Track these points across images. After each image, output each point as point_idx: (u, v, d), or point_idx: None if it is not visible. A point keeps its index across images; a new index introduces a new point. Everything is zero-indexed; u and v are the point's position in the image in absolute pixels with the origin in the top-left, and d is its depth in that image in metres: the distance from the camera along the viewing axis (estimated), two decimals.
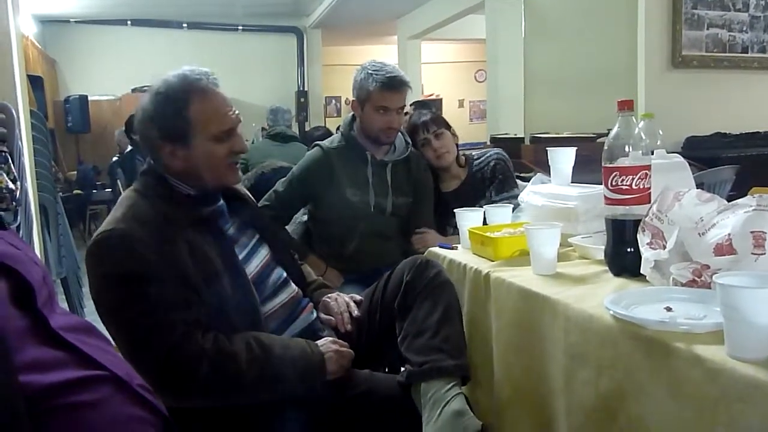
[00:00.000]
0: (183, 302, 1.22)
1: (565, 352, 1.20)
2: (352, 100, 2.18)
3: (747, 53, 4.23)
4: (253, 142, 5.12)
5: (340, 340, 1.42)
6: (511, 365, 1.39)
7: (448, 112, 9.76)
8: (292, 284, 1.51)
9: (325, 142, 2.20)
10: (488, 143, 4.21)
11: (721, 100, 4.13)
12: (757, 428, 0.83)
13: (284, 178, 2.18)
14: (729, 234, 1.14)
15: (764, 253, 1.13)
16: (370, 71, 2.08)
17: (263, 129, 5.10)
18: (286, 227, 2.23)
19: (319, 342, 1.36)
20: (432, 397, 1.35)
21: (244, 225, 1.47)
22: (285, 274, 1.50)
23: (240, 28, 8.95)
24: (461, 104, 11.49)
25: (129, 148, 5.68)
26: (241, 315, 1.29)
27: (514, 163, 3.07)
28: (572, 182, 1.75)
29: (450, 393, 1.35)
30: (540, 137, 3.55)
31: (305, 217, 2.29)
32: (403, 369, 1.44)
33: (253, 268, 1.41)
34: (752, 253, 1.13)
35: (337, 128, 3.09)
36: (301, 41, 9.15)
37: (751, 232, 1.13)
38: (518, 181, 2.36)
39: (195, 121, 1.33)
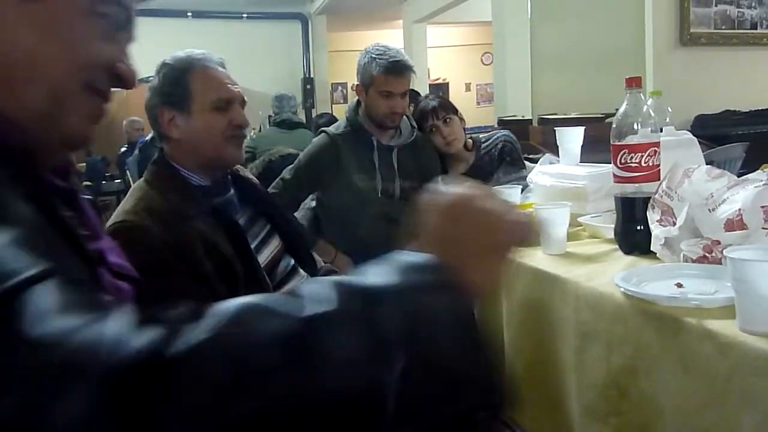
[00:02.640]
0: (195, 296, 1.22)
1: (576, 331, 1.20)
2: (356, 85, 2.18)
3: (756, 29, 4.18)
4: (260, 131, 5.13)
5: None
6: (522, 345, 1.40)
7: (456, 96, 9.71)
8: (301, 271, 1.51)
9: (331, 129, 2.20)
10: (496, 126, 4.20)
11: (731, 78, 4.10)
12: None
13: (291, 166, 2.18)
14: (739, 209, 1.14)
15: None
16: (373, 55, 2.07)
17: (270, 117, 5.10)
18: (295, 213, 2.23)
19: None
20: None
21: (256, 214, 1.48)
22: (293, 262, 1.51)
23: (245, 15, 8.92)
24: (468, 88, 11.43)
25: (140, 137, 5.68)
26: None
27: (523, 145, 3.06)
28: (581, 162, 1.74)
29: None
30: (548, 118, 3.53)
31: (314, 203, 2.29)
32: None
33: (264, 257, 1.41)
34: (763, 228, 1.12)
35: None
36: (306, 28, 9.12)
37: (762, 207, 1.13)
38: (527, 163, 2.36)
39: (194, 88, 1.34)
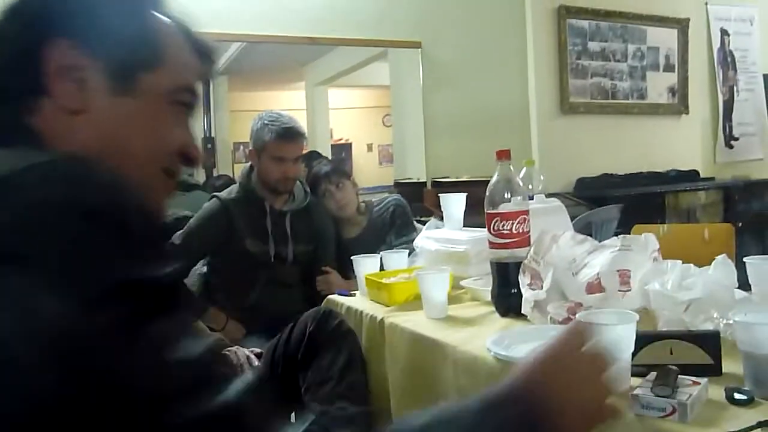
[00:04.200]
0: None
1: (457, 393, 1.23)
2: (250, 150, 2.19)
3: (627, 100, 4.57)
4: None
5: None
6: (407, 410, 1.41)
7: (358, 156, 9.88)
8: None
9: (223, 194, 2.19)
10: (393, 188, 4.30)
11: (607, 143, 4.43)
12: None
13: (181, 231, 2.14)
14: (598, 273, 1.23)
15: (630, 290, 1.22)
16: (266, 122, 2.11)
17: None
18: (185, 280, 2.18)
19: None
20: None
21: None
22: None
23: None
24: (370, 148, 11.65)
25: None
26: None
27: (418, 207, 3.16)
28: (471, 225, 1.82)
29: None
30: (441, 181, 3.67)
31: (205, 269, 2.25)
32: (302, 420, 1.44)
33: None
34: (619, 290, 1.22)
35: None
36: (207, 87, 9.05)
37: (617, 271, 1.23)
38: (419, 225, 2.43)
39: None
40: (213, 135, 9.73)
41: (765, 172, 4.75)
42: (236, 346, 1.63)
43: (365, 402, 1.44)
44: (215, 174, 8.22)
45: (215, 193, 2.22)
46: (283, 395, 1.46)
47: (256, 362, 1.56)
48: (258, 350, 1.62)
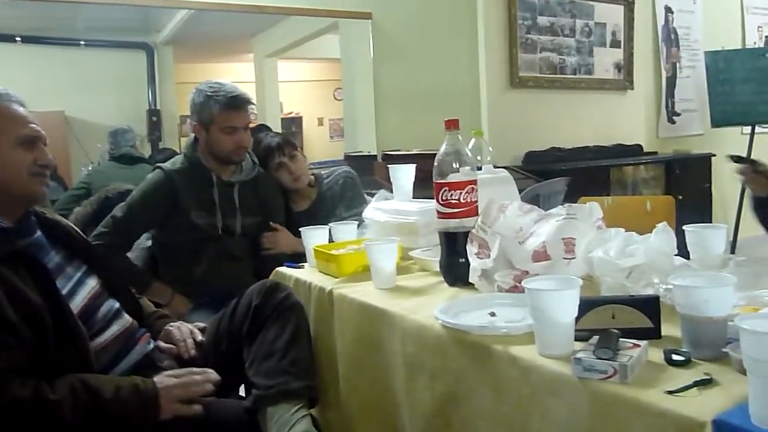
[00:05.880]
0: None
1: (404, 363, 1.24)
2: (194, 124, 2.12)
3: (575, 75, 4.63)
4: (99, 165, 4.82)
5: (196, 369, 1.35)
6: (356, 381, 1.41)
7: (308, 130, 9.78)
8: (126, 315, 1.43)
9: (167, 164, 2.12)
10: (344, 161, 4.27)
11: (555, 118, 4.49)
12: (564, 419, 0.91)
13: (122, 203, 2.07)
14: (544, 241, 1.24)
15: (575, 258, 1.24)
16: (209, 93, 2.04)
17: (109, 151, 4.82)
18: (129, 254, 2.11)
19: (157, 378, 1.29)
20: (278, 421, 1.35)
21: (70, 256, 1.38)
22: (117, 305, 1.42)
23: (82, 43, 8.42)
24: (321, 122, 11.56)
25: None
26: (67, 354, 1.20)
27: (368, 180, 3.14)
28: (421, 197, 1.81)
29: (296, 416, 1.35)
30: (391, 154, 3.65)
31: (149, 243, 2.19)
32: (250, 394, 1.42)
33: (79, 301, 1.32)
34: (564, 258, 1.24)
35: None
36: (151, 58, 8.76)
37: (563, 239, 1.24)
38: (369, 198, 2.41)
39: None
40: (158, 108, 9.44)
41: (705, 146, 4.91)
42: (180, 322, 1.59)
43: (310, 376, 1.43)
44: (163, 146, 7.96)
45: (159, 164, 2.15)
46: (227, 370, 1.44)
47: (200, 337, 1.53)
48: (202, 325, 1.59)
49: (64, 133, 5.78)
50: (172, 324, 1.56)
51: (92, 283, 1.38)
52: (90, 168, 3.91)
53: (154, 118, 9.25)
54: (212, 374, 1.33)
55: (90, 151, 4.89)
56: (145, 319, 1.54)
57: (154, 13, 5.58)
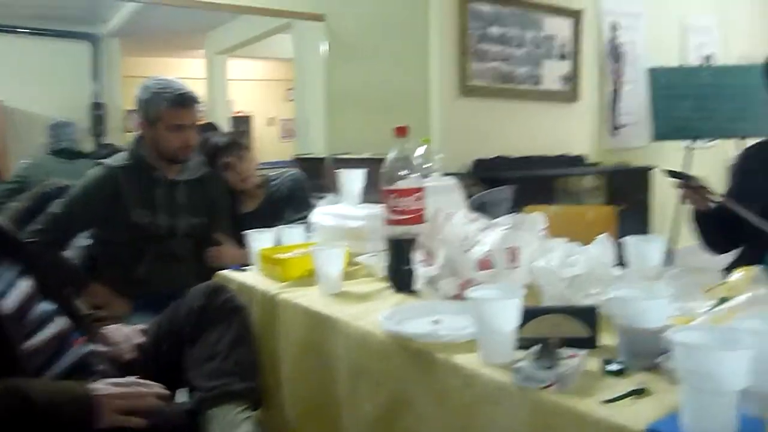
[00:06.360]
0: None
1: (348, 369, 1.24)
2: (140, 121, 2.07)
3: (523, 85, 4.72)
4: (37, 159, 4.64)
5: (142, 381, 1.29)
6: (299, 386, 1.40)
7: (259, 130, 9.67)
8: (61, 317, 1.38)
9: (109, 161, 2.06)
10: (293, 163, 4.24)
11: (504, 126, 4.57)
12: (506, 427, 0.92)
13: (61, 200, 2.00)
14: (489, 250, 1.26)
15: (518, 266, 1.26)
16: (155, 90, 1.99)
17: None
18: (66, 252, 2.04)
19: (98, 384, 1.24)
20: (221, 423, 1.32)
21: (1, 255, 1.32)
22: (52, 307, 1.37)
23: (24, 30, 8.10)
24: (271, 122, 11.46)
25: None
26: None
27: (317, 184, 3.12)
28: (369, 202, 1.81)
29: (239, 417, 1.33)
30: (341, 158, 3.65)
31: (87, 242, 2.12)
32: (191, 397, 1.39)
33: (11, 303, 1.26)
34: (507, 267, 1.26)
35: None
36: (96, 49, 8.51)
37: (507, 248, 1.26)
38: (318, 201, 2.40)
39: None
40: (103, 101, 9.19)
41: (646, 159, 5.08)
42: (119, 324, 1.55)
43: (253, 378, 1.41)
44: (103, 142, 7.73)
45: (101, 160, 2.08)
46: (167, 373, 1.40)
47: (139, 339, 1.49)
48: (143, 327, 1.55)
49: (2, 123, 5.55)
50: (109, 327, 1.51)
51: (24, 285, 1.32)
52: (27, 161, 3.76)
53: (98, 112, 9.00)
54: (158, 388, 1.28)
55: (30, 143, 4.71)
56: (81, 321, 1.49)
57: (101, 2, 5.38)
